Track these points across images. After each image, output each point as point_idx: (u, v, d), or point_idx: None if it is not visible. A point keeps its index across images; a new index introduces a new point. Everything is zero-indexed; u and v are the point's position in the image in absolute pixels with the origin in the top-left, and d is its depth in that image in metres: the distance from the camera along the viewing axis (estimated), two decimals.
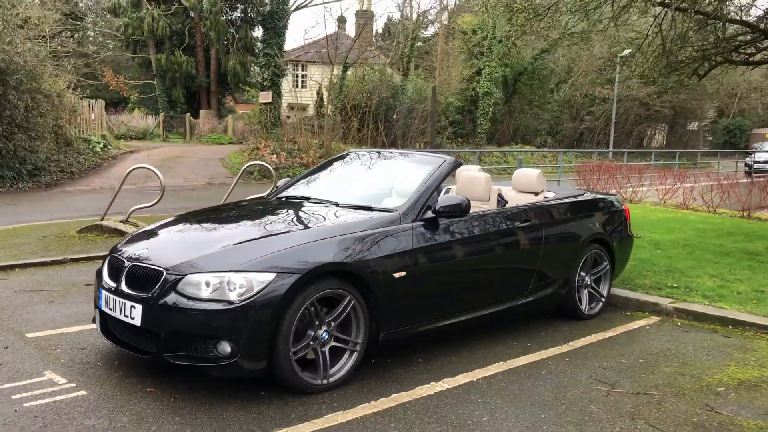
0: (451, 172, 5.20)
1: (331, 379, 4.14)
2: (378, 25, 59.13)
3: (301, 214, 4.83)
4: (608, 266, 6.22)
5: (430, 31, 45.82)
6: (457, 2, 38.28)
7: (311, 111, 29.92)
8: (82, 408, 3.75)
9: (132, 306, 4.00)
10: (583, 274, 6.03)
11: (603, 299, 6.21)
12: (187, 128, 30.92)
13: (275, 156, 20.51)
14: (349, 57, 25.82)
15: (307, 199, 5.25)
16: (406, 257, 4.48)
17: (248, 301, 3.79)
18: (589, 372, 4.67)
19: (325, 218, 4.65)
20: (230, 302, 3.79)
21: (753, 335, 5.65)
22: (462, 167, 6.12)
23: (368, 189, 5.23)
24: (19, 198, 14.18)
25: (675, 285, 6.90)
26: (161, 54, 34.60)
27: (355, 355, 4.27)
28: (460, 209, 4.74)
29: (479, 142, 29.73)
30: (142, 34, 34.27)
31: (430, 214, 4.73)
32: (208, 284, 3.85)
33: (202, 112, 32.63)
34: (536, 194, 6.25)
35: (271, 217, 4.79)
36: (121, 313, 4.08)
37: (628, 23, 9.67)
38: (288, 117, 28.11)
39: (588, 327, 5.80)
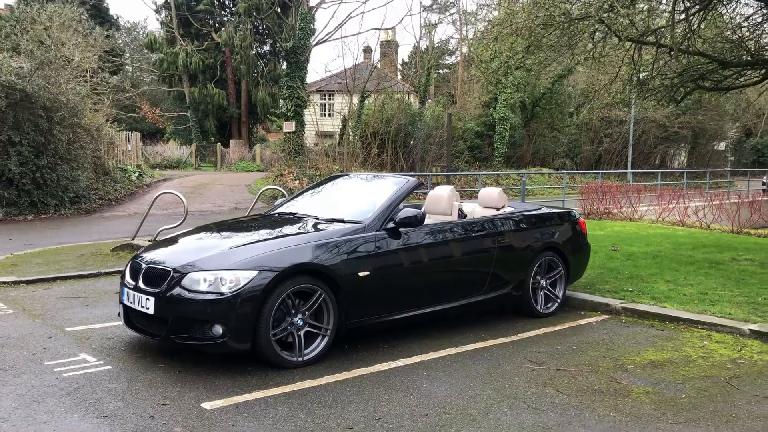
0: (412, 191, 6.25)
1: (306, 357, 5.16)
2: (405, 53, 60.56)
3: (284, 226, 5.90)
4: (563, 271, 7.13)
5: (450, 60, 47.00)
6: (475, 33, 39.48)
7: (337, 138, 31.21)
8: (107, 377, 4.82)
9: (147, 299, 5.08)
10: (538, 277, 6.96)
11: (558, 300, 7.12)
12: (218, 157, 32.52)
13: (298, 182, 21.72)
14: (371, 86, 27.12)
15: (294, 214, 6.32)
16: (369, 259, 5.50)
17: (236, 292, 4.84)
18: (524, 355, 5.60)
19: (303, 229, 5.72)
20: (222, 294, 4.85)
21: (683, 329, 6.50)
22: (441, 188, 7.17)
23: (344, 205, 6.26)
24: (61, 223, 15.56)
25: (630, 289, 7.76)
26: (194, 87, 36.46)
27: (326, 339, 5.28)
28: (416, 220, 5.76)
29: (496, 165, 30.65)
30: (176, 68, 36.19)
31: (391, 224, 5.76)
32: (205, 280, 4.91)
33: (232, 141, 34.25)
34: (498, 209, 7.22)
35: (260, 229, 5.88)
36: (138, 305, 5.16)
37: (606, 56, 10.60)
38: (316, 144, 29.46)
39: (540, 323, 6.71)
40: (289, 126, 23.87)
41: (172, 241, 5.87)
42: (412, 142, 25.89)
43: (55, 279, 8.47)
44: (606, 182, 19.66)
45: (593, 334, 6.31)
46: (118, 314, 5.67)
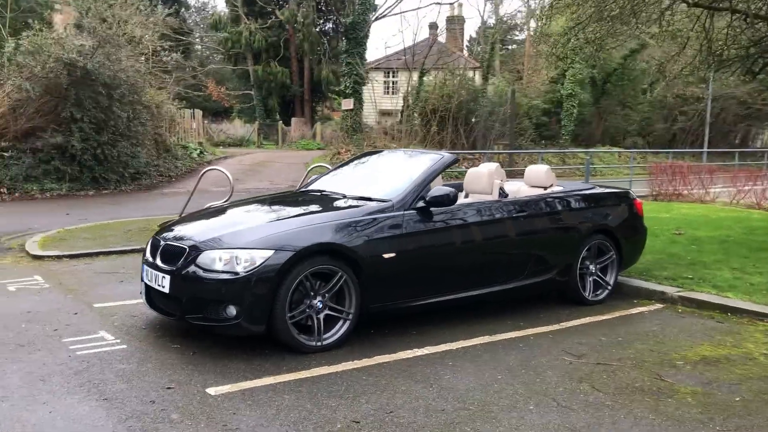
0: (446, 168, 5.87)
1: (325, 342, 4.88)
2: (473, 29, 59.36)
3: (308, 204, 5.62)
4: (615, 256, 6.61)
5: (520, 36, 45.70)
6: (545, 6, 38.12)
7: (399, 116, 30.83)
8: (119, 356, 4.68)
9: (163, 277, 4.91)
10: (587, 262, 6.47)
11: (609, 287, 6.61)
12: (279, 135, 32.69)
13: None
14: (433, 62, 26.56)
15: (322, 192, 6.03)
16: (395, 241, 5.16)
17: (251, 272, 4.60)
18: (563, 347, 5.16)
19: (326, 207, 5.42)
20: (236, 273, 4.62)
21: (746, 322, 5.91)
22: (484, 165, 6.78)
23: (374, 183, 5.92)
24: (120, 198, 15.83)
25: (690, 276, 7.16)
26: (258, 66, 36.68)
27: (347, 323, 5.00)
28: (448, 199, 5.37)
29: (563, 144, 29.62)
30: (240, 47, 36.46)
31: (421, 203, 5.39)
32: (221, 259, 4.69)
33: (293, 119, 34.35)
34: (545, 188, 6.74)
35: (284, 206, 5.62)
36: (155, 283, 4.99)
37: (674, 25, 9.82)
38: (378, 123, 29.20)
39: (587, 311, 6.23)
40: (348, 104, 23.64)
41: (195, 217, 5.69)
42: (473, 120, 25.23)
43: (98, 254, 8.50)
44: (676, 162, 18.61)
45: (643, 325, 5.81)
46: (141, 293, 5.54)
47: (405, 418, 3.77)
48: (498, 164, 7.06)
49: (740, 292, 6.56)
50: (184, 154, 21.48)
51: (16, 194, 15.37)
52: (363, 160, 6.76)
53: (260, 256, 4.65)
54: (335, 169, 6.77)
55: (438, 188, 5.44)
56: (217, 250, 4.75)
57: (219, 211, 5.81)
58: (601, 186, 7.22)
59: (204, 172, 10.72)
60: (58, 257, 8.22)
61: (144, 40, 19.37)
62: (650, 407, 4.00)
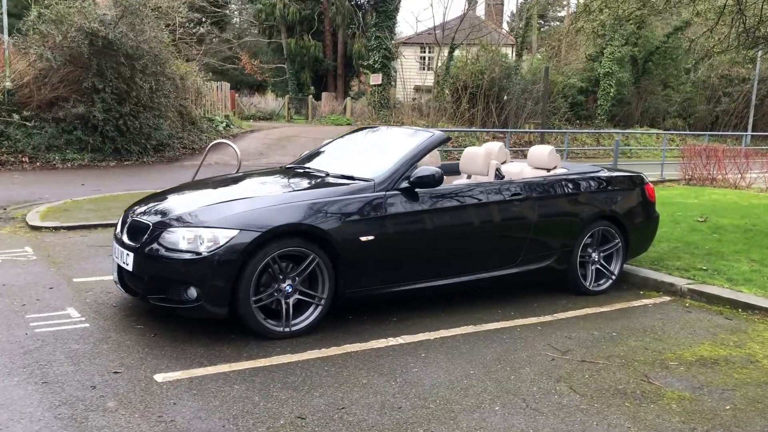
0: (436, 147, 5.51)
1: (294, 328, 4.63)
2: (514, 5, 58.08)
3: (289, 181, 5.33)
4: (620, 244, 6.20)
5: (561, 13, 44.43)
6: None
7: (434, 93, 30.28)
8: (77, 336, 4.50)
9: (127, 254, 4.69)
10: (589, 250, 6.08)
11: (614, 277, 6.21)
12: (309, 109, 32.43)
13: None
14: (466, 38, 25.92)
15: (306, 169, 5.74)
16: (375, 223, 4.85)
17: (213, 252, 4.35)
18: (550, 340, 4.82)
19: (306, 185, 5.13)
20: (199, 253, 4.37)
21: (757, 319, 5.48)
22: (488, 144, 6.44)
23: (360, 161, 5.60)
24: (140, 170, 15.81)
25: (704, 267, 6.70)
26: (291, 39, 36.35)
27: (319, 309, 4.72)
28: (433, 180, 5.04)
29: (599, 124, 28.74)
30: (274, 19, 36.15)
31: (405, 184, 5.07)
32: (184, 238, 4.44)
33: (324, 94, 33.99)
34: (548, 170, 6.35)
35: (262, 184, 5.34)
36: (121, 260, 4.79)
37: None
38: (414, 99, 28.69)
39: (587, 302, 5.86)
40: (376, 78, 23.21)
41: (169, 192, 5.45)
42: (505, 97, 24.57)
43: (96, 226, 8.38)
44: (711, 145, 17.81)
45: (644, 319, 5.41)
46: (113, 271, 5.34)
47: (356, 416, 3.50)
48: (501, 144, 6.69)
49: (756, 286, 6.10)
50: (209, 126, 21.37)
51: (38, 163, 15.46)
52: (356, 136, 6.43)
53: (224, 236, 4.39)
54: (326, 144, 6.47)
55: (423, 168, 5.11)
56: (181, 228, 4.51)
57: (194, 185, 5.57)
58: (611, 169, 6.77)
59: (211, 146, 10.51)
60: (56, 229, 8.13)
61: (170, 11, 19.19)
62: (628, 414, 3.65)
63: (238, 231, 4.41)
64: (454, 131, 21.13)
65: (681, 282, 6.27)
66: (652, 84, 32.41)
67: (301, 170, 5.75)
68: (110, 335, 4.53)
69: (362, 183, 5.04)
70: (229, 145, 10.22)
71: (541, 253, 5.73)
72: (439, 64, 23.98)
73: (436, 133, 5.62)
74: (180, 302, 4.45)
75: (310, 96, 33.81)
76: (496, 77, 25.06)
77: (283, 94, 38.01)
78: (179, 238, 4.45)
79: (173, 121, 18.92)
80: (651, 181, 6.89)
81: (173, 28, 20.14)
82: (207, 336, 4.57)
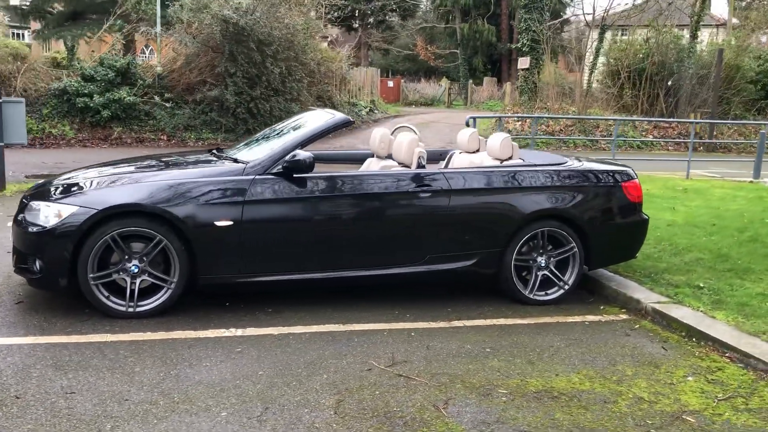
0: (333, 131, 5.20)
1: (139, 309, 4.60)
2: None
3: (180, 163, 5.30)
4: (575, 249, 5.33)
5: None
6: None
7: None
8: None
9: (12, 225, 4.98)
10: (534, 254, 5.31)
11: (566, 286, 5.37)
12: (468, 95, 31.86)
13: (519, 123, 20.17)
14: (635, 19, 23.78)
15: (214, 151, 5.65)
16: (234, 208, 4.65)
17: (54, 227, 4.46)
18: (398, 348, 4.29)
19: (182, 166, 5.08)
20: (44, 227, 4.51)
21: (698, 353, 4.42)
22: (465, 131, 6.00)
23: (267, 144, 5.35)
24: None
25: (702, 285, 5.53)
26: (465, 24, 35.90)
27: (169, 292, 4.65)
28: (304, 165, 4.75)
29: None
30: (450, 4, 35.92)
31: (279, 168, 4.79)
32: (39, 211, 4.61)
33: (486, 79, 33.18)
34: (501, 160, 5.64)
35: (153, 166, 5.27)
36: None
37: None
38: (592, 85, 26.98)
39: (516, 312, 5.15)
40: (524, 62, 22.09)
41: (79, 169, 5.61)
42: (669, 83, 22.11)
43: None
44: None
45: (552, 338, 4.61)
46: None
47: (71, 401, 3.40)
48: (473, 131, 6.08)
49: (755, 316, 4.87)
50: (351, 111, 21.87)
51: (173, 141, 16.94)
52: (293, 119, 6.19)
53: (66, 212, 4.48)
54: (272, 127, 6.31)
55: (296, 152, 4.79)
56: (40, 202, 4.68)
57: (102, 165, 5.67)
58: (581, 160, 5.81)
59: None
60: None
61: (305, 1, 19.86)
62: None
63: (77, 207, 4.48)
64: (599, 119, 19.54)
65: (650, 300, 5.24)
66: None
67: (208, 152, 5.68)
68: None
69: (233, 166, 4.88)
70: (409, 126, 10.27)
71: (453, 252, 5.11)
72: (588, 46, 22.21)
73: (337, 116, 5.25)
74: (31, 273, 4.63)
75: (470, 81, 33.19)
76: (667, 61, 22.64)
77: (455, 79, 37.76)
78: (36, 212, 4.62)
79: (306, 104, 19.61)
80: None
81: (320, 15, 20.80)
82: (65, 307, 4.68)
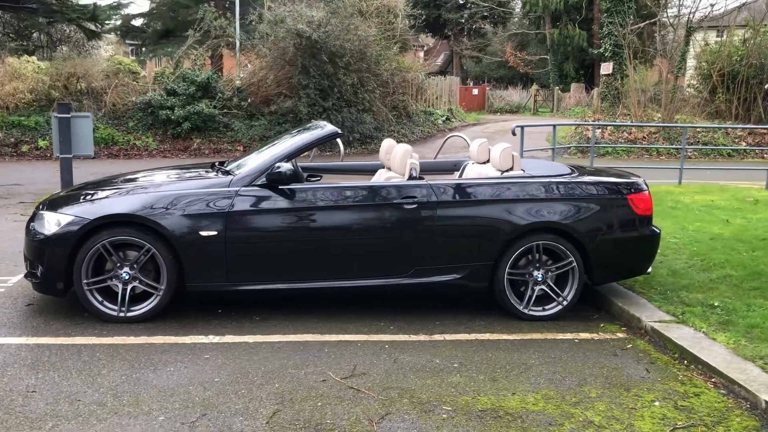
0: (319, 144, 5.34)
1: (130, 314, 4.84)
2: None
3: (181, 176, 5.52)
4: (574, 264, 5.12)
5: None
6: None
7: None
8: None
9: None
10: (531, 268, 5.15)
11: (564, 302, 5.17)
12: (554, 101, 31.03)
13: (599, 131, 19.45)
14: (733, 18, 22.42)
15: (216, 164, 5.84)
16: (219, 218, 4.81)
17: (52, 234, 4.79)
18: (362, 361, 4.28)
19: (179, 179, 5.31)
20: (45, 235, 4.84)
21: (683, 376, 4.14)
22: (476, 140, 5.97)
23: (264, 156, 5.47)
24: (331, 159, 16.96)
25: (716, 304, 5.18)
26: (555, 29, 35.08)
27: (158, 298, 4.86)
28: (283, 176, 4.86)
29: None
30: (538, 9, 35.25)
31: (263, 180, 4.91)
32: (45, 220, 4.95)
33: (573, 85, 32.16)
34: (501, 171, 5.52)
35: (158, 178, 5.53)
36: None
37: None
38: (684, 88, 25.67)
39: (507, 327, 5.00)
40: (606, 68, 21.32)
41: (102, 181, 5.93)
42: (766, 87, 20.66)
43: None
44: None
45: (529, 356, 4.45)
46: None
47: (30, 399, 3.63)
48: (484, 141, 5.99)
49: (759, 339, 4.52)
50: (425, 120, 21.86)
51: (249, 151, 17.55)
52: (294, 132, 6.27)
53: (64, 220, 4.80)
54: (277, 138, 6.45)
55: (279, 165, 4.89)
56: (47, 212, 5.02)
57: (121, 177, 5.96)
58: (596, 172, 5.58)
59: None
60: None
61: (374, 12, 20.04)
62: None
63: (73, 217, 4.78)
64: (687, 127, 18.54)
65: (652, 318, 4.96)
66: None
67: (210, 165, 5.87)
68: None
69: (220, 179, 5.06)
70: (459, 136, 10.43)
71: (441, 265, 5.04)
72: (674, 49, 21.09)
73: (327, 128, 5.35)
74: (36, 278, 4.96)
75: (557, 88, 32.32)
76: (766, 64, 21.18)
77: (547, 86, 36.92)
78: (43, 221, 4.96)
79: (380, 114, 19.79)
80: None
81: (395, 26, 20.92)
82: (68, 311, 4.99)
